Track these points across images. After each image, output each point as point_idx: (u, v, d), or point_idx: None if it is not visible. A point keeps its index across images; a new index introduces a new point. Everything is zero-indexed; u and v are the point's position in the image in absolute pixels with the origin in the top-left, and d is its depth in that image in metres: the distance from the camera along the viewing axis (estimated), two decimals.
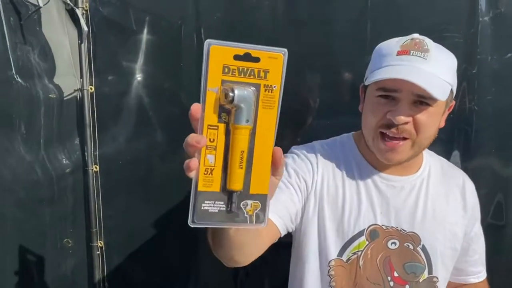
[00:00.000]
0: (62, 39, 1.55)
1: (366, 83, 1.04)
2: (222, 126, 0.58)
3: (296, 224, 1.07)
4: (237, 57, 0.57)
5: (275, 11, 1.50)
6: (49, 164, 1.47)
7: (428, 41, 0.99)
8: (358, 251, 1.05)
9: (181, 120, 1.58)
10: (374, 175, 1.09)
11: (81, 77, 1.61)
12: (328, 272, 1.06)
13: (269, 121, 0.60)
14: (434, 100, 0.95)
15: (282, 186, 1.02)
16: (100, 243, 1.74)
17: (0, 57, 1.22)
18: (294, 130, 1.56)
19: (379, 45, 1.07)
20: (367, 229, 1.06)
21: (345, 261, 1.06)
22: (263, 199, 0.63)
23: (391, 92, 0.98)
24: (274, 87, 0.59)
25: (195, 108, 0.56)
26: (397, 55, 0.98)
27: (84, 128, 1.64)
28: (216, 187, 0.60)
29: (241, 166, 0.60)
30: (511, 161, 1.48)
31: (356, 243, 1.05)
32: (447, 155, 1.48)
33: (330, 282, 1.07)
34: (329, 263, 1.06)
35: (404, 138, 0.98)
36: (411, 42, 0.99)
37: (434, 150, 1.46)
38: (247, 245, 0.86)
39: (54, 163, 1.50)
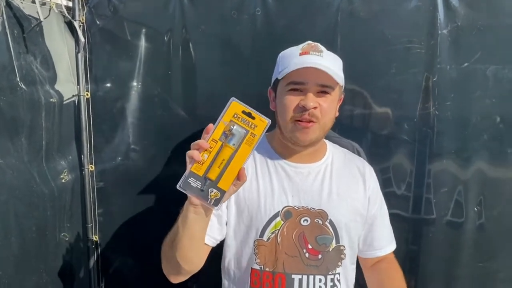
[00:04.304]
0: (62, 49, 1.68)
1: (279, 76, 1.21)
2: (220, 143, 0.94)
3: (225, 229, 1.27)
4: (243, 112, 0.94)
5: (253, 25, 1.63)
6: (49, 164, 1.59)
7: (320, 45, 1.23)
8: (275, 230, 1.21)
9: (170, 123, 1.74)
10: (284, 165, 1.27)
11: (78, 84, 1.74)
12: (254, 251, 1.23)
13: (245, 152, 0.95)
14: (331, 88, 1.17)
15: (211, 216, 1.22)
16: (95, 237, 1.86)
17: (5, 66, 1.34)
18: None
19: (281, 52, 1.29)
20: (281, 210, 1.22)
21: (265, 240, 1.22)
22: (222, 192, 0.96)
23: (299, 85, 1.17)
24: (255, 135, 0.95)
25: (209, 126, 0.95)
26: (299, 55, 1.19)
27: (81, 130, 1.77)
28: (201, 172, 0.95)
29: (219, 167, 0.95)
30: (469, 161, 1.59)
31: (273, 223, 1.22)
32: (410, 155, 1.62)
33: (255, 260, 1.23)
34: (253, 243, 1.23)
35: (313, 122, 1.17)
36: (308, 46, 1.22)
37: (398, 150, 1.62)
38: (197, 242, 1.14)
39: (54, 163, 1.62)
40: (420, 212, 1.65)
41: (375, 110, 1.62)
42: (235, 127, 0.94)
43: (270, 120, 0.95)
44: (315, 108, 1.16)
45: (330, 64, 1.17)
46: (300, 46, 1.24)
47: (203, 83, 1.72)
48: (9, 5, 1.44)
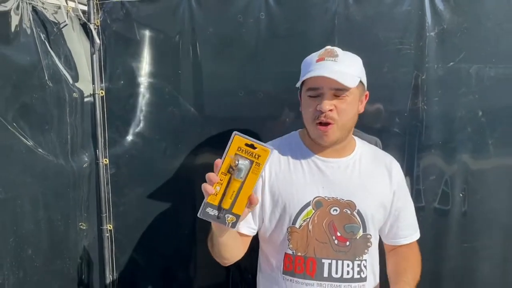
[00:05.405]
0: (79, 50, 1.81)
1: (298, 84, 1.33)
2: (228, 176, 1.02)
3: (260, 217, 1.39)
4: (246, 144, 1.00)
5: (258, 27, 1.77)
6: (74, 156, 1.71)
7: (337, 49, 1.31)
8: (307, 218, 1.32)
9: (180, 119, 1.88)
10: (316, 159, 1.37)
11: (93, 83, 1.87)
12: (287, 237, 1.33)
13: (252, 181, 1.03)
14: (346, 90, 1.25)
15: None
16: (109, 226, 1.99)
17: (36, 66, 1.47)
18: (276, 124, 1.83)
19: (305, 59, 1.38)
20: (313, 200, 1.32)
21: (297, 227, 1.32)
22: (238, 216, 1.05)
23: (315, 91, 1.27)
24: (260, 164, 1.02)
25: (217, 161, 1.01)
26: (316, 62, 1.29)
27: (96, 126, 1.90)
28: (216, 202, 1.04)
29: (231, 198, 1.03)
30: (455, 151, 1.73)
31: (305, 212, 1.32)
32: (401, 147, 1.76)
33: (288, 245, 1.34)
34: (286, 230, 1.33)
35: (331, 124, 1.27)
36: (325, 52, 1.31)
37: (390, 142, 1.76)
38: (231, 246, 1.27)
39: (77, 156, 1.75)
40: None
41: (369, 105, 1.75)
42: (240, 161, 1.00)
43: (273, 148, 1.01)
44: (331, 110, 1.25)
45: (344, 67, 1.26)
46: (319, 52, 1.33)
47: (211, 81, 1.85)
48: (34, 10, 1.56)
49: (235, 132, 1.00)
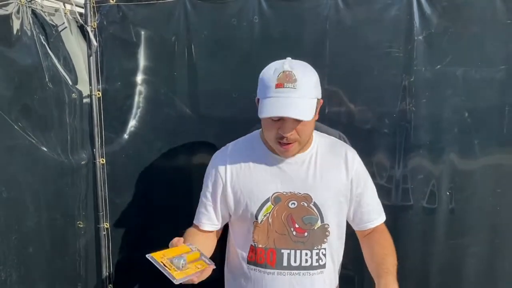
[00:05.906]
0: (77, 52, 1.84)
1: (258, 114, 1.32)
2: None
3: (225, 214, 1.50)
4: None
5: (251, 31, 1.81)
6: (74, 156, 1.75)
7: (296, 71, 1.27)
8: (267, 213, 1.41)
9: (175, 120, 1.92)
10: (274, 157, 1.44)
11: (90, 84, 1.91)
12: (251, 231, 1.43)
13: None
14: None
15: (208, 208, 1.49)
16: (106, 224, 2.03)
17: (37, 68, 1.50)
18: None
19: (261, 73, 1.35)
20: (272, 196, 1.41)
21: (259, 222, 1.42)
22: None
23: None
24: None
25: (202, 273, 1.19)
26: (275, 88, 1.27)
27: (93, 127, 1.94)
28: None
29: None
30: (442, 151, 1.79)
31: (265, 208, 1.41)
32: (390, 147, 1.82)
33: (252, 238, 1.43)
34: (249, 225, 1.43)
35: (292, 143, 1.34)
36: (283, 75, 1.27)
37: (379, 143, 1.81)
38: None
39: (77, 156, 1.79)
40: (398, 199, 1.85)
41: (359, 107, 1.81)
42: (175, 261, 1.16)
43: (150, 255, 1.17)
44: (291, 134, 1.31)
45: (303, 93, 1.27)
46: (277, 74, 1.28)
47: (206, 83, 1.90)
48: (33, 13, 1.60)
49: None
